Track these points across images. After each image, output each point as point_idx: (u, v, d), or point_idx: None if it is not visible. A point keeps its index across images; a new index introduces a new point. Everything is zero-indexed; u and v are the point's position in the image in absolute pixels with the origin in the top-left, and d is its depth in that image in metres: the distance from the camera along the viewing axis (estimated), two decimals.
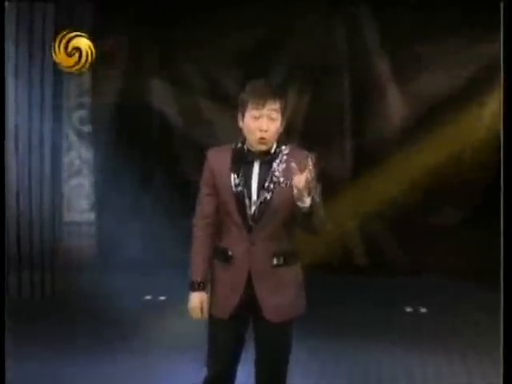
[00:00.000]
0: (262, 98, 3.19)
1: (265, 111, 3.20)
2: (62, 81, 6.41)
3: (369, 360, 5.09)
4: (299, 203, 3.08)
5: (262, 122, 3.20)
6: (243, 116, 3.25)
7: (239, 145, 3.30)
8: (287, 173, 3.18)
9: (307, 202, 3.08)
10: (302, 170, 3.05)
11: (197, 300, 3.32)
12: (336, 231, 6.69)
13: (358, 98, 6.91)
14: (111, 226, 6.70)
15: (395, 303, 6.22)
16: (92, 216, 6.99)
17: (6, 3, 4.77)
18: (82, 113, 6.96)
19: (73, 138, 6.97)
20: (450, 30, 6.57)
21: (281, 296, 3.24)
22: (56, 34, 5.51)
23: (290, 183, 3.14)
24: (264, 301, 3.23)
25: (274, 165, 3.23)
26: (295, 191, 3.08)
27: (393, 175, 6.79)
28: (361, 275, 6.79)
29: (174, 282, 5.85)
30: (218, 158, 3.28)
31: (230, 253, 3.25)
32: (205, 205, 3.31)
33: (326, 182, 6.53)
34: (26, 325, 5.55)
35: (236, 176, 3.23)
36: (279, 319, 3.24)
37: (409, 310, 6.20)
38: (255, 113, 3.20)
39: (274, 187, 3.20)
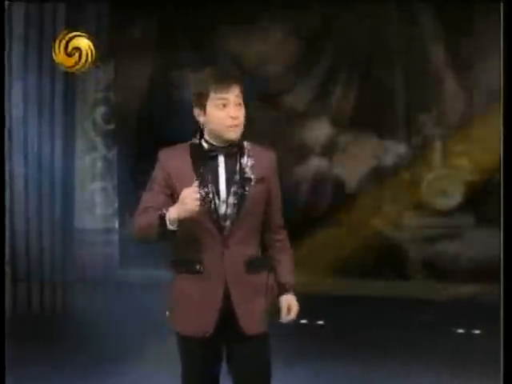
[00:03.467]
0: (226, 83, 3.04)
1: (231, 97, 3.04)
2: (73, 78, 6.35)
3: None
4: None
5: (230, 109, 3.04)
6: (204, 108, 3.06)
7: (197, 141, 3.12)
8: (256, 169, 3.09)
9: None
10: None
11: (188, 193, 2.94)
12: (386, 232, 6.54)
13: (411, 87, 6.66)
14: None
15: (445, 323, 6.00)
16: (114, 223, 6.79)
17: (6, 3, 4.77)
18: (106, 109, 6.77)
19: (95, 137, 6.74)
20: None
21: (256, 305, 3.11)
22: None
23: (261, 179, 3.09)
24: (241, 311, 3.07)
25: (243, 160, 3.10)
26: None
27: (452, 171, 6.62)
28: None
29: None
30: (175, 158, 3.10)
31: (200, 262, 3.07)
32: (155, 203, 3.05)
33: (378, 175, 6.59)
34: (36, 342, 5.47)
35: (200, 174, 3.04)
36: (257, 330, 3.09)
37: (460, 331, 6.01)
38: (221, 100, 3.04)
39: (245, 184, 3.08)
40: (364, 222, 6.56)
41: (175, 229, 2.97)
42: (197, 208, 2.92)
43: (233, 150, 3.09)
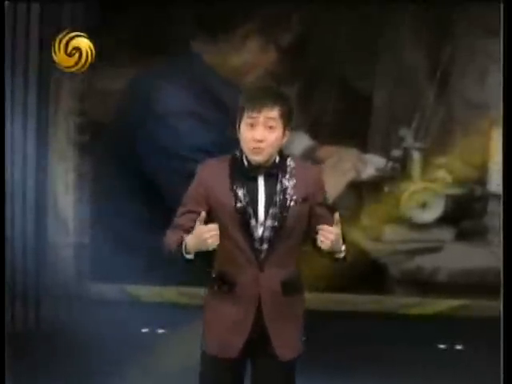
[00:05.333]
0: (257, 104, 3.01)
1: (260, 119, 3.01)
2: (48, 84, 6.30)
3: None
4: (336, 255, 3.06)
5: (256, 131, 3.01)
6: (239, 125, 3.08)
7: (237, 156, 3.11)
8: (299, 188, 3.06)
9: (342, 250, 3.07)
10: (331, 225, 2.97)
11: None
12: (366, 246, 6.62)
13: (391, 100, 6.76)
14: (108, 249, 6.47)
15: (426, 338, 6.03)
16: (87, 237, 6.75)
17: (6, 3, 4.74)
18: (80, 120, 6.72)
19: (68, 148, 6.70)
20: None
21: (291, 330, 3.09)
22: (55, 33, 5.43)
23: (303, 200, 3.04)
24: (275, 336, 3.04)
25: (284, 180, 3.06)
26: (329, 246, 2.97)
27: (431, 184, 6.73)
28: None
29: (174, 313, 5.85)
30: (214, 173, 3.09)
31: (234, 280, 3.05)
32: (185, 221, 3.07)
33: (357, 188, 6.62)
34: (7, 361, 5.21)
35: (239, 193, 3.04)
36: (290, 356, 3.08)
37: (442, 346, 6.04)
38: (250, 120, 3.02)
39: (286, 205, 3.03)
40: (343, 235, 6.59)
41: (192, 258, 2.97)
42: (213, 246, 2.92)
43: (273, 171, 3.06)
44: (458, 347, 6.01)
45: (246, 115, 3.01)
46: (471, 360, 5.65)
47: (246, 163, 3.06)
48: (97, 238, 6.69)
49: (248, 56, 6.69)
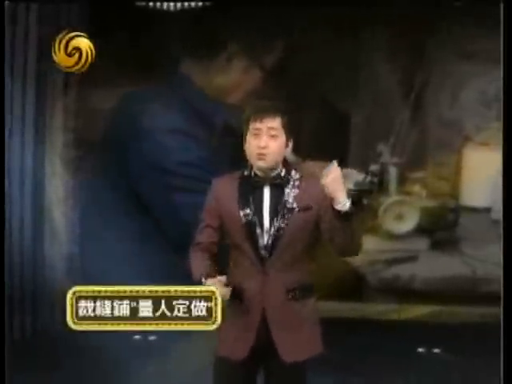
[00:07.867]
0: (259, 114, 3.23)
1: (263, 127, 3.23)
2: (45, 99, 6.40)
3: None
4: (338, 205, 3.06)
5: (260, 139, 3.23)
6: (245, 137, 3.30)
7: (246, 172, 3.33)
8: (301, 198, 3.22)
9: (347, 203, 3.08)
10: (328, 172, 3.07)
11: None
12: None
13: (369, 117, 6.99)
14: (97, 260, 6.61)
15: (405, 343, 6.15)
16: (78, 249, 6.91)
17: (6, 3, 4.82)
18: (68, 136, 6.88)
19: (57, 163, 6.86)
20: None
21: (297, 334, 3.21)
22: (55, 34, 5.50)
23: (305, 208, 3.19)
24: (279, 339, 3.20)
25: (287, 190, 3.24)
26: (329, 191, 3.06)
27: (407, 197, 6.98)
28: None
29: None
30: (225, 187, 3.30)
31: (241, 287, 3.22)
32: (204, 237, 3.31)
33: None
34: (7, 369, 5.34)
35: (245, 204, 3.23)
36: (295, 359, 3.21)
37: (420, 350, 6.15)
38: (254, 130, 3.24)
39: (288, 214, 3.21)
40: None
41: None
42: (225, 298, 3.06)
43: (278, 181, 3.24)
44: (435, 350, 6.11)
45: (250, 127, 3.23)
46: (447, 362, 5.81)
47: (253, 175, 3.26)
48: (87, 249, 6.83)
49: (233, 76, 6.93)
